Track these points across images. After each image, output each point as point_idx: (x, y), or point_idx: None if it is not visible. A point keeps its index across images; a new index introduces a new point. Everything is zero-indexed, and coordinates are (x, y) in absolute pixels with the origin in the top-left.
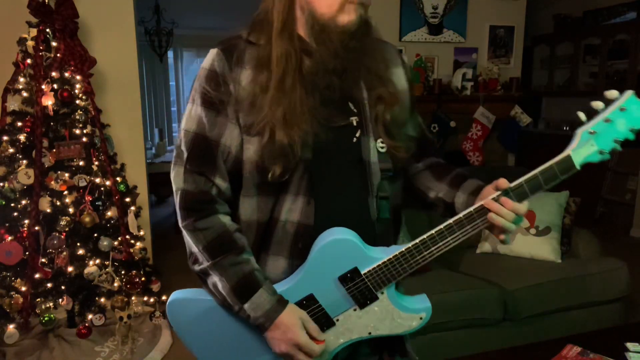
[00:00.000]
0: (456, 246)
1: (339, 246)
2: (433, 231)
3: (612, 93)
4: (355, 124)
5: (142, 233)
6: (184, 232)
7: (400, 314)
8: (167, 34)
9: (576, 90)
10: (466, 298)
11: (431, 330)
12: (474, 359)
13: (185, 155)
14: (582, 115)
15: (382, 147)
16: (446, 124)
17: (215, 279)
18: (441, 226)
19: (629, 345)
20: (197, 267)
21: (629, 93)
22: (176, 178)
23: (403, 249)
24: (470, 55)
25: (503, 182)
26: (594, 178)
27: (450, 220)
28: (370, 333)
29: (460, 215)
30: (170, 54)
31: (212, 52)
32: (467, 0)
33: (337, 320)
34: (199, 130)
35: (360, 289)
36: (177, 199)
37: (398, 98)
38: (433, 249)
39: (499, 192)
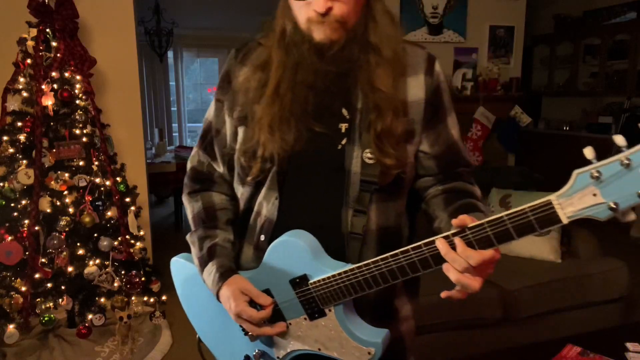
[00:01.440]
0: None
1: (288, 247)
2: (379, 257)
3: (618, 139)
4: (344, 131)
5: (142, 233)
6: (184, 202)
7: (348, 340)
8: (167, 34)
9: (576, 90)
10: (466, 298)
11: (431, 330)
12: (474, 359)
13: (199, 139)
14: (619, 140)
15: (369, 159)
16: None
17: (192, 248)
18: (388, 254)
19: (629, 345)
20: (187, 236)
21: None
22: (191, 158)
23: (347, 268)
24: (470, 55)
25: (463, 220)
26: None
27: (398, 250)
28: (319, 349)
29: (409, 247)
30: (170, 54)
31: (230, 52)
32: (467, 0)
33: (290, 324)
34: (210, 119)
35: (308, 298)
36: (186, 174)
37: (394, 107)
38: (376, 274)
39: (454, 230)
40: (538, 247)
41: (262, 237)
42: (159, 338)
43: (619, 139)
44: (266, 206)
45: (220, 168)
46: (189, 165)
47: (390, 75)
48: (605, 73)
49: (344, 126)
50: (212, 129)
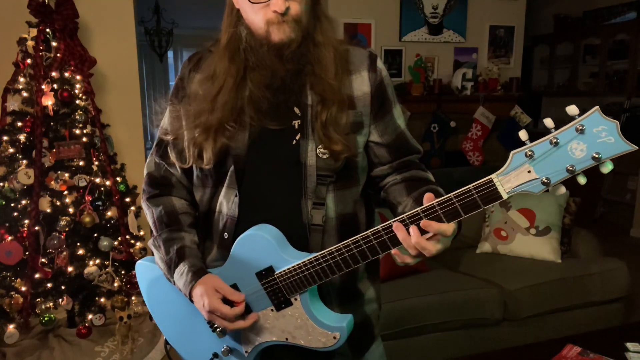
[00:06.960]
0: (375, 261)
1: (254, 241)
2: (341, 244)
3: (571, 109)
4: (297, 127)
5: (142, 233)
6: (144, 207)
7: (314, 327)
8: (167, 34)
9: (576, 90)
10: (466, 298)
11: (431, 330)
12: (474, 359)
13: (154, 147)
14: (548, 122)
15: (323, 153)
16: (446, 124)
17: (156, 252)
18: (349, 240)
19: (629, 345)
20: (149, 241)
21: (593, 110)
22: (147, 165)
23: (312, 257)
24: (470, 55)
25: (428, 198)
26: (594, 178)
27: (358, 236)
28: (287, 339)
29: (368, 232)
30: (170, 54)
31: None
32: (467, 0)
33: (257, 316)
34: (164, 126)
35: (274, 289)
36: (144, 180)
37: (339, 100)
38: (339, 259)
39: (408, 214)
40: (538, 247)
41: (226, 235)
42: (159, 338)
43: (548, 122)
44: (227, 205)
45: (177, 172)
46: (145, 172)
47: (333, 69)
48: (605, 73)
49: (296, 123)
50: (167, 136)
